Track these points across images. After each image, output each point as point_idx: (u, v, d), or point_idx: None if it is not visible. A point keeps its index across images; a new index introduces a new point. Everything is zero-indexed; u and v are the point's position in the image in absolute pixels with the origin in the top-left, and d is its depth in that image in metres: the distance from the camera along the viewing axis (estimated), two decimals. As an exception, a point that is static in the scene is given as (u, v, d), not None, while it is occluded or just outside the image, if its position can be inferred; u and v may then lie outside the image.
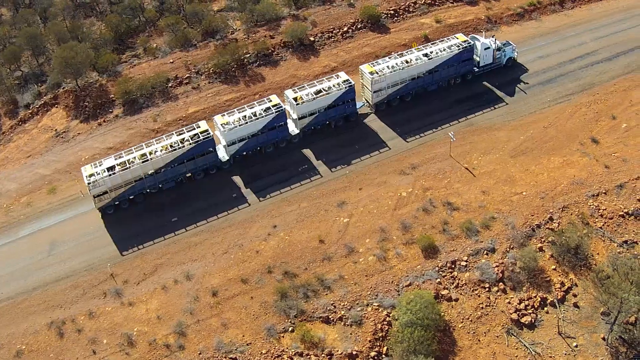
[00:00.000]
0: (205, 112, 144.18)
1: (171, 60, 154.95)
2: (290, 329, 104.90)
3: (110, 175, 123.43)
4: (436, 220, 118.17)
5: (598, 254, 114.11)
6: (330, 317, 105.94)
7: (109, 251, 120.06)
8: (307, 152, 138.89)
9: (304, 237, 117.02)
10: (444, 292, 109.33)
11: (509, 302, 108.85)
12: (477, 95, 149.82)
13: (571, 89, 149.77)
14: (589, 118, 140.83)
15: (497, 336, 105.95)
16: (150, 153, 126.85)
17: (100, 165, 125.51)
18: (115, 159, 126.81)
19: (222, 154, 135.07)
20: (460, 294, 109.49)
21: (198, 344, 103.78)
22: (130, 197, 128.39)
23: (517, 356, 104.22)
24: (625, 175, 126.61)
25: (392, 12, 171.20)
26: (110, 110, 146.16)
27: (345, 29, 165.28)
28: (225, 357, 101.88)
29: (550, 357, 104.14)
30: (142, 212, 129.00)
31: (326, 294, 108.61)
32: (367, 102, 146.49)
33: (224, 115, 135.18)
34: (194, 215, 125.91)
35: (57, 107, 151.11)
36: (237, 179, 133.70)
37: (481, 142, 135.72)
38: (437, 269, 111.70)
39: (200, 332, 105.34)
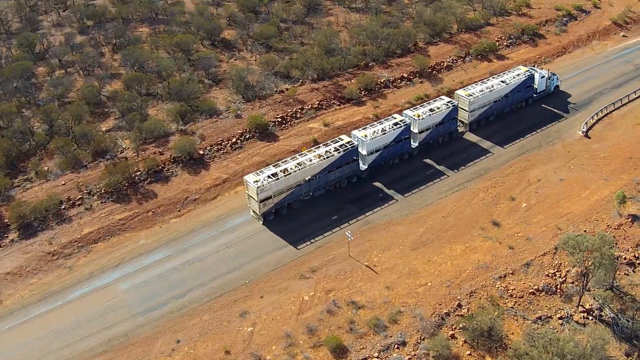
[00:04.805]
0: (100, 232, 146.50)
1: (63, 182, 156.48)
2: None
3: (275, 180, 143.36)
4: (342, 321, 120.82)
5: (512, 333, 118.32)
6: None
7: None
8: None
9: (209, 350, 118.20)
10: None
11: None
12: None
13: (467, 176, 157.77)
14: (488, 202, 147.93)
15: None
16: (305, 162, 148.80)
17: (262, 174, 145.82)
18: (275, 167, 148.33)
19: (361, 164, 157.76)
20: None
21: None
22: (289, 204, 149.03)
23: None
24: (531, 254, 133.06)
25: (279, 119, 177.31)
26: (6, 235, 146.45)
27: (234, 140, 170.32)
28: None
29: None
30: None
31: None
32: (462, 122, 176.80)
33: (360, 130, 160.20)
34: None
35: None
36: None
37: (380, 239, 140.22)
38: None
39: None
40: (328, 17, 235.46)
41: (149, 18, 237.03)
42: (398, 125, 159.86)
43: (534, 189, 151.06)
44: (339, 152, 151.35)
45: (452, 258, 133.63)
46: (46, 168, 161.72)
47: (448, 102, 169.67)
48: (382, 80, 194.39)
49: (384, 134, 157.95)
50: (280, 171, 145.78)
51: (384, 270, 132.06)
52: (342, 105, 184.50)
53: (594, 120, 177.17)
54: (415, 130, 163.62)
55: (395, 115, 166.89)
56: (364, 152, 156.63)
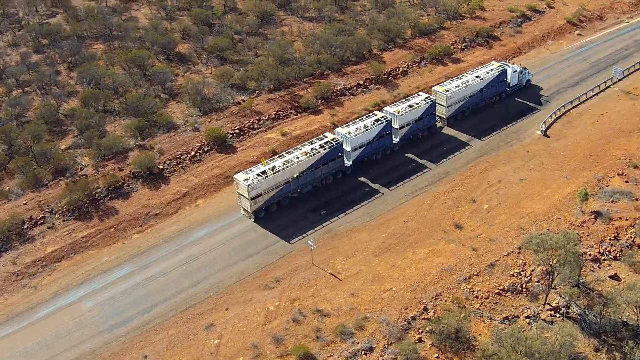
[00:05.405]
0: (63, 251, 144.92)
1: (24, 202, 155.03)
2: None
3: (264, 178, 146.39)
4: (308, 329, 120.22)
5: (480, 334, 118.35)
6: None
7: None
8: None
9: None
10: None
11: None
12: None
13: (427, 179, 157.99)
14: (449, 205, 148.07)
15: None
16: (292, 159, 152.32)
17: (251, 172, 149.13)
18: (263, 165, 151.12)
19: (346, 161, 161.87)
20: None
21: None
22: (278, 201, 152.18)
23: None
24: (494, 255, 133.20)
25: (237, 131, 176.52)
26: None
27: (193, 153, 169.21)
28: None
29: None
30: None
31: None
32: (440, 117, 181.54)
33: (343, 127, 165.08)
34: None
35: None
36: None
37: (343, 246, 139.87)
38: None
39: None
40: (282, 27, 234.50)
41: (103, 34, 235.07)
42: (380, 122, 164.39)
43: (494, 190, 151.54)
44: (325, 149, 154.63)
45: (416, 262, 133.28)
46: (7, 188, 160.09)
47: (426, 98, 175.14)
48: (338, 88, 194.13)
49: (367, 130, 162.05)
50: (269, 169, 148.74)
51: (348, 277, 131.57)
52: (299, 115, 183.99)
53: (553, 119, 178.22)
54: (396, 126, 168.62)
55: (376, 112, 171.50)
56: (348, 149, 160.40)
